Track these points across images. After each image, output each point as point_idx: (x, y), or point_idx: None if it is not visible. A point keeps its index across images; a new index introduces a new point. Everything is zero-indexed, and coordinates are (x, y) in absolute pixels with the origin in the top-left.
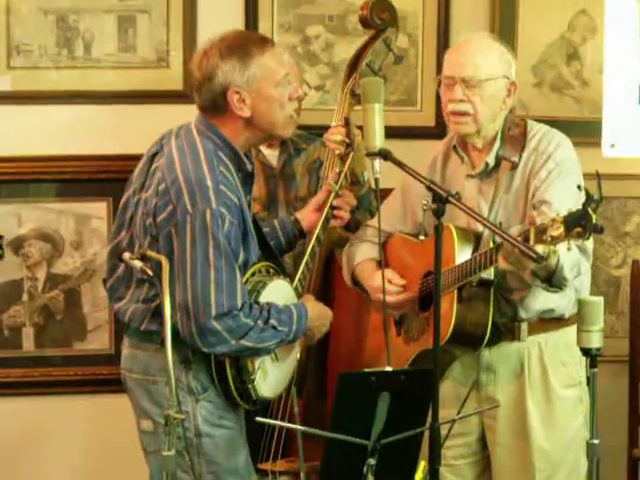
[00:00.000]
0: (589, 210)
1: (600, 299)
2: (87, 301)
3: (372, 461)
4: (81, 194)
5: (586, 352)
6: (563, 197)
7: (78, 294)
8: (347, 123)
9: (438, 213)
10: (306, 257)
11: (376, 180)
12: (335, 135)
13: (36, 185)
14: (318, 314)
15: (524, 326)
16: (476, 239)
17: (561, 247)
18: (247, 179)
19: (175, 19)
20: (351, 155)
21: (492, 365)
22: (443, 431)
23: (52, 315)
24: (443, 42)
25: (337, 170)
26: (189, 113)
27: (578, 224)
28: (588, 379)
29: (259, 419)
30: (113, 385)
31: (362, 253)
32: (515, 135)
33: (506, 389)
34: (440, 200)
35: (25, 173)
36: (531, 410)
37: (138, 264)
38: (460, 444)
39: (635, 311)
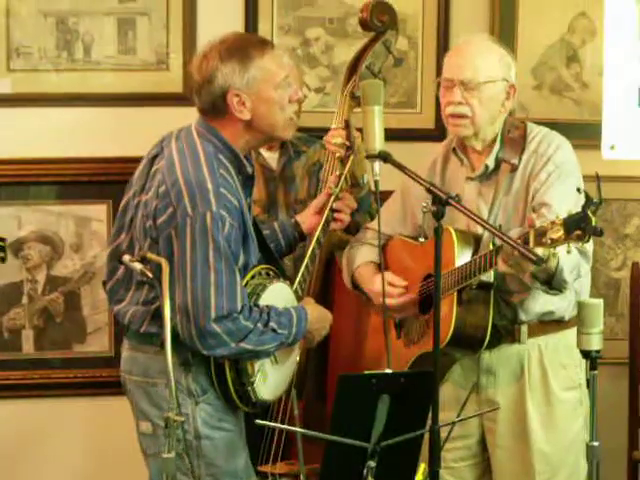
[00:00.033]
0: (589, 213)
1: (600, 301)
2: (87, 303)
3: (372, 463)
4: (81, 196)
5: (586, 354)
6: (563, 199)
7: (78, 296)
8: (347, 126)
9: (438, 215)
10: (306, 260)
11: (376, 182)
12: (335, 138)
13: (36, 187)
14: (318, 317)
15: (524, 328)
16: (476, 241)
17: (561, 250)
18: (247, 182)
19: (175, 21)
20: (351, 158)
21: (492, 367)
22: (443, 434)
23: (52, 317)
24: (443, 44)
25: (337, 173)
26: (189, 116)
27: (578, 227)
28: (588, 381)
29: (259, 422)
30: (113, 387)
31: (362, 256)
32: (515, 137)
33: (506, 391)
34: (440, 202)
35: (25, 175)
36: (531, 412)
37: (138, 266)
38: (460, 446)
39: (635, 313)
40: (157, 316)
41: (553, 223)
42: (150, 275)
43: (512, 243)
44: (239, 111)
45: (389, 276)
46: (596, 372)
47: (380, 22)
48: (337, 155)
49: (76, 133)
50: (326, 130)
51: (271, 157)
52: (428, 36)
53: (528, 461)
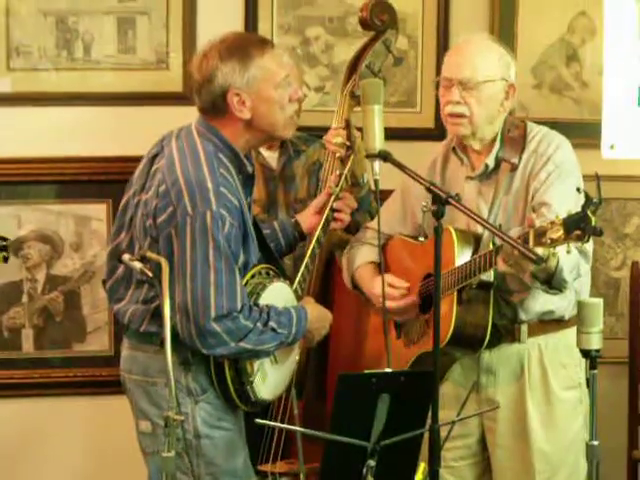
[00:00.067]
0: (588, 213)
1: (600, 301)
2: (87, 303)
3: (372, 462)
4: (81, 196)
5: (586, 354)
6: (563, 199)
7: (78, 296)
8: (348, 125)
9: (438, 214)
10: (306, 259)
11: (376, 181)
12: (336, 137)
13: (36, 187)
14: (318, 316)
15: (524, 328)
16: (476, 241)
17: (560, 249)
18: (247, 181)
19: (175, 21)
20: (351, 157)
21: (492, 367)
22: (443, 433)
23: (52, 317)
24: (443, 44)
25: (338, 172)
26: (188, 115)
27: (577, 227)
28: (588, 381)
29: (259, 421)
30: (112, 387)
31: (362, 256)
32: (515, 137)
33: (506, 391)
34: (440, 202)
35: (25, 175)
36: (531, 412)
37: (138, 265)
38: (460, 446)
39: (635, 313)
40: (157, 315)
41: (553, 223)
42: (150, 274)
43: (512, 242)
44: (239, 110)
45: (389, 277)
46: (596, 371)
47: (380, 21)
48: (337, 155)
49: (76, 132)
50: (326, 129)
51: (271, 156)
52: (428, 35)
53: (528, 460)
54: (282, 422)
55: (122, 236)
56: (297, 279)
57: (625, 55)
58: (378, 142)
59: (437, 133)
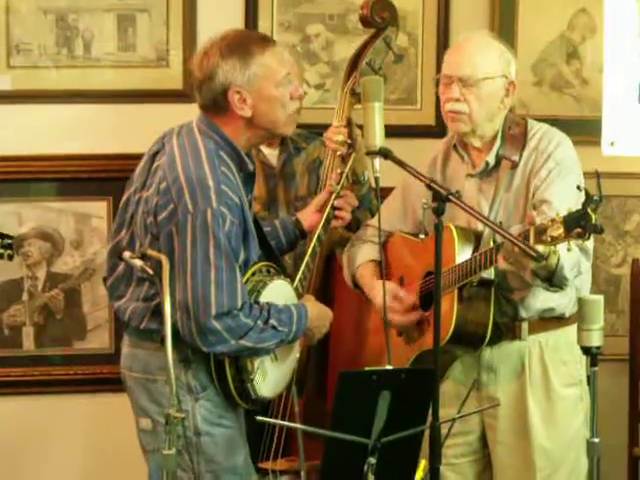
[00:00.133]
0: (589, 210)
1: (600, 298)
2: (87, 300)
3: (372, 460)
4: (81, 193)
5: (586, 351)
6: (563, 196)
7: (78, 293)
8: (349, 123)
9: (438, 212)
10: (307, 257)
11: (376, 179)
12: (337, 135)
13: (36, 184)
14: (318, 314)
15: (525, 325)
16: (476, 238)
17: (561, 247)
18: (248, 179)
19: (175, 18)
20: (353, 155)
21: (493, 364)
22: (443, 430)
23: (52, 314)
24: (443, 41)
25: (339, 170)
26: (189, 112)
27: (578, 224)
28: (588, 378)
29: (259, 418)
30: (113, 384)
31: (363, 255)
32: (515, 134)
33: (507, 388)
34: (440, 199)
35: (25, 172)
36: (532, 409)
37: (138, 263)
38: (461, 443)
39: (635, 310)
40: (157, 312)
41: (553, 221)
42: (150, 272)
43: (513, 240)
44: (240, 108)
45: (395, 288)
46: (596, 368)
47: (380, 19)
48: (338, 153)
49: (76, 130)
50: (326, 127)
51: (271, 154)
52: (428, 33)
53: (529, 457)
54: (283, 419)
55: (123, 233)
56: (298, 277)
57: (625, 52)
58: (378, 139)
59: (437, 130)
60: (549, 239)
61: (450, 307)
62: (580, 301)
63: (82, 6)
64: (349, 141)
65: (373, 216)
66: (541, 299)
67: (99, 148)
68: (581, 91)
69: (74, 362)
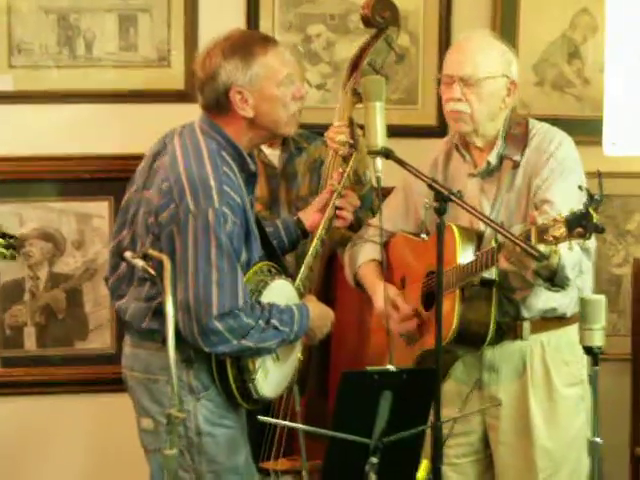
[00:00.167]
0: (590, 210)
1: (602, 297)
2: (89, 300)
3: (374, 460)
4: (82, 193)
5: (588, 350)
6: (565, 196)
7: (80, 293)
8: (351, 123)
9: (440, 211)
10: (308, 257)
11: (378, 179)
12: (339, 135)
13: (37, 184)
14: (319, 314)
15: (526, 325)
16: (478, 238)
17: (563, 247)
18: (250, 179)
19: (176, 18)
20: (354, 155)
21: (495, 364)
22: (445, 430)
23: (54, 314)
24: (444, 41)
25: (340, 170)
26: (190, 112)
27: (579, 224)
28: (590, 377)
29: (261, 418)
30: (115, 385)
31: (364, 254)
32: (517, 134)
33: (508, 388)
34: (442, 198)
35: (26, 172)
36: (533, 409)
37: (140, 263)
38: (462, 443)
39: (637, 309)
40: (159, 312)
41: (555, 220)
42: (152, 272)
43: (514, 240)
44: (242, 108)
45: (393, 293)
46: (598, 368)
47: (382, 18)
48: (340, 153)
49: (77, 130)
50: (327, 126)
51: (273, 154)
52: (429, 32)
53: (530, 457)
54: (284, 419)
55: (124, 233)
56: (299, 277)
57: (627, 52)
58: (380, 139)
59: (439, 130)
60: (551, 239)
61: (452, 307)
62: (582, 301)
63: (83, 6)
64: (351, 141)
65: (375, 216)
66: (543, 299)
67: (100, 148)
68: (582, 91)
69: (76, 362)
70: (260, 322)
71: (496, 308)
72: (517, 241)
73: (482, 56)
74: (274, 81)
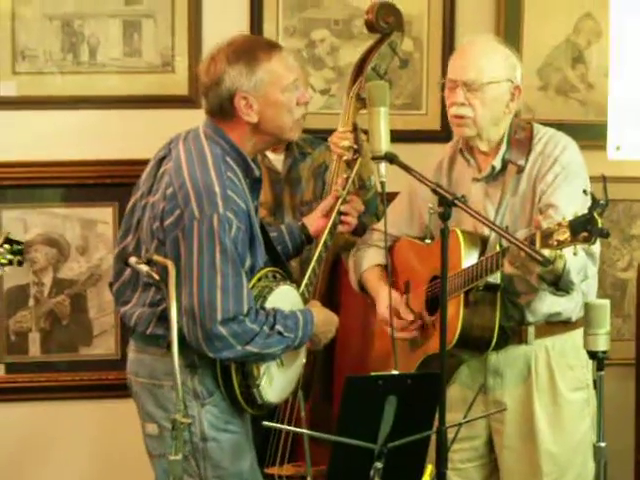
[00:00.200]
0: (595, 214)
1: (606, 302)
2: (93, 306)
3: (379, 465)
4: (87, 199)
5: (593, 355)
6: (570, 200)
7: (84, 299)
8: (355, 128)
9: (444, 216)
10: (313, 263)
11: (382, 184)
12: (343, 141)
13: (42, 190)
14: (324, 320)
15: (531, 329)
16: (482, 243)
17: (567, 251)
18: (255, 184)
19: (180, 24)
20: (359, 160)
21: (499, 369)
22: (450, 435)
23: (58, 320)
24: (448, 46)
25: (345, 176)
26: (194, 118)
27: (584, 229)
28: (595, 382)
29: (266, 423)
30: (119, 390)
31: (369, 259)
32: (521, 139)
33: (513, 392)
34: (446, 203)
35: (30, 178)
36: (538, 413)
37: (144, 268)
38: (467, 447)
39: None
40: (163, 318)
41: (559, 225)
42: (156, 277)
43: (519, 244)
44: (246, 114)
45: (396, 300)
46: (603, 373)
47: (386, 23)
48: (344, 158)
49: (82, 136)
50: (331, 132)
51: (277, 159)
52: (433, 37)
53: (535, 462)
54: (289, 424)
55: (129, 239)
56: (304, 282)
57: (631, 56)
58: (384, 144)
59: (443, 135)
60: (555, 243)
61: (456, 311)
62: (586, 305)
63: (87, 12)
64: (355, 146)
65: (379, 221)
66: (547, 303)
67: (104, 154)
68: (587, 95)
69: (80, 368)
70: (264, 328)
71: (501, 312)
72: (521, 246)
73: (486, 61)
74: (279, 87)
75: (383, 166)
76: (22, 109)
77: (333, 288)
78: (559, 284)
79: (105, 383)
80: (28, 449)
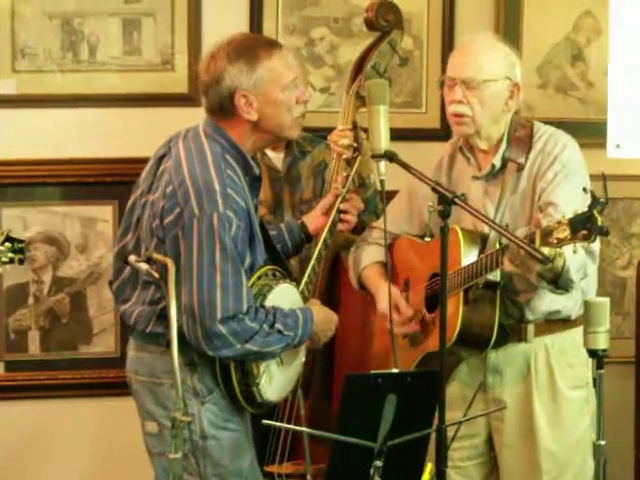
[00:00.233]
0: (595, 212)
1: (606, 300)
2: (93, 304)
3: (379, 463)
4: (86, 197)
5: (592, 353)
6: (569, 199)
7: (84, 297)
8: (355, 127)
9: (444, 215)
10: (313, 261)
11: (382, 182)
12: (342, 139)
13: (41, 188)
14: (324, 318)
15: (530, 327)
16: (482, 241)
17: (567, 249)
18: (254, 183)
19: (180, 22)
20: (358, 159)
21: (499, 367)
22: (450, 433)
23: (58, 318)
24: (448, 44)
25: (344, 174)
26: (194, 116)
27: (584, 227)
28: (595, 380)
29: (265, 422)
30: (119, 388)
31: (368, 256)
32: (521, 137)
33: (513, 390)
34: (446, 202)
35: (30, 176)
36: (538, 411)
37: (144, 267)
38: (467, 446)
39: None
40: (163, 316)
41: (559, 223)
42: (156, 275)
43: (518, 242)
44: (246, 112)
45: (396, 296)
46: (603, 371)
47: (385, 22)
48: (344, 156)
49: (81, 134)
50: (331, 130)
51: (276, 157)
52: (433, 35)
53: (535, 460)
54: (289, 423)
55: (129, 237)
56: (303, 281)
57: (630, 54)
58: (384, 143)
59: (443, 133)
60: (555, 241)
61: (456, 309)
62: (586, 304)
63: (87, 10)
64: (354, 144)
65: (378, 219)
66: (547, 301)
67: (104, 152)
68: (586, 93)
69: (80, 366)
70: (264, 326)
71: (500, 310)
72: (521, 244)
73: (484, 58)
74: (279, 85)
75: (383, 164)
76: (22, 107)
77: (333, 286)
78: (559, 282)
79: (105, 381)
80: (28, 447)
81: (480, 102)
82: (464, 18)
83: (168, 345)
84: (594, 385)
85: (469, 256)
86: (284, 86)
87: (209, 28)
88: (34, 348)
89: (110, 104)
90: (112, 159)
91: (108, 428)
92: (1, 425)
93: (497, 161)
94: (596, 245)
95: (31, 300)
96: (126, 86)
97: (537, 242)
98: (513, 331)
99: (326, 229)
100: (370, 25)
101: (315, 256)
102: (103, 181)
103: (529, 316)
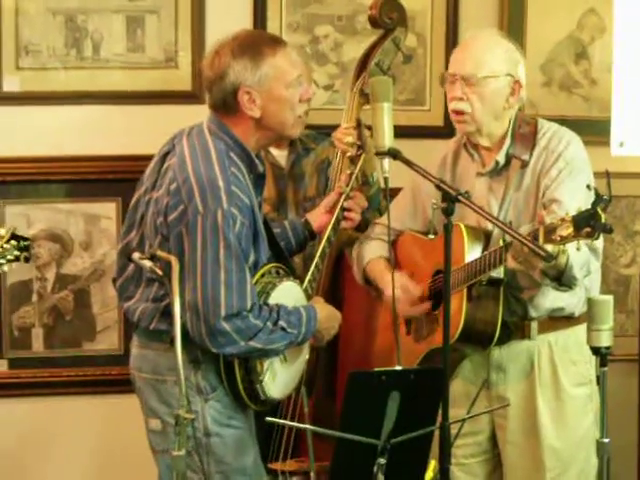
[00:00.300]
0: (598, 210)
1: (610, 298)
2: (96, 301)
3: (382, 460)
4: (90, 194)
5: (596, 351)
6: (573, 196)
7: (87, 294)
8: (358, 124)
9: (448, 212)
10: (316, 259)
11: (385, 179)
12: (346, 136)
13: (45, 185)
14: (327, 316)
15: (534, 325)
16: (486, 238)
17: (570, 246)
18: (259, 180)
19: (184, 19)
20: (362, 157)
21: (502, 364)
22: (453, 430)
23: (61, 316)
24: (452, 41)
25: (348, 172)
26: (198, 113)
27: (587, 224)
28: (598, 378)
29: (269, 419)
30: (122, 385)
31: (372, 251)
32: (525, 133)
33: (516, 388)
34: (450, 199)
35: (34, 174)
36: (541, 408)
37: (148, 264)
38: (470, 443)
39: None
40: (167, 313)
41: (563, 220)
42: (160, 272)
43: (522, 239)
44: (249, 109)
45: (403, 278)
46: (606, 368)
47: (389, 19)
48: (348, 154)
49: (85, 131)
50: (335, 127)
51: (280, 155)
52: (437, 33)
53: (538, 457)
54: (292, 420)
55: (132, 234)
56: (307, 278)
57: (634, 52)
58: (387, 140)
59: (446, 131)
60: (558, 238)
61: (459, 306)
62: (589, 301)
63: (91, 7)
64: (358, 142)
65: (382, 216)
66: (550, 298)
67: (108, 149)
68: (590, 91)
69: (83, 363)
70: (268, 324)
71: (504, 307)
72: (524, 241)
73: (485, 55)
74: (283, 82)
75: (386, 162)
76: (25, 104)
77: (336, 284)
78: (562, 279)
79: (108, 378)
80: (31, 444)
81: (480, 99)
82: (468, 16)
83: (172, 342)
84: (597, 383)
85: (472, 253)
86: (288, 83)
87: (213, 25)
88: (38, 345)
89: (114, 101)
90: (116, 156)
91: (111, 425)
92: (5, 422)
93: (501, 158)
94: (599, 242)
95: (35, 297)
96: (130, 83)
97: (540, 239)
98: (516, 328)
99: (330, 227)
100: (374, 23)
101: (319, 254)
102: (106, 178)
103: (532, 313)
